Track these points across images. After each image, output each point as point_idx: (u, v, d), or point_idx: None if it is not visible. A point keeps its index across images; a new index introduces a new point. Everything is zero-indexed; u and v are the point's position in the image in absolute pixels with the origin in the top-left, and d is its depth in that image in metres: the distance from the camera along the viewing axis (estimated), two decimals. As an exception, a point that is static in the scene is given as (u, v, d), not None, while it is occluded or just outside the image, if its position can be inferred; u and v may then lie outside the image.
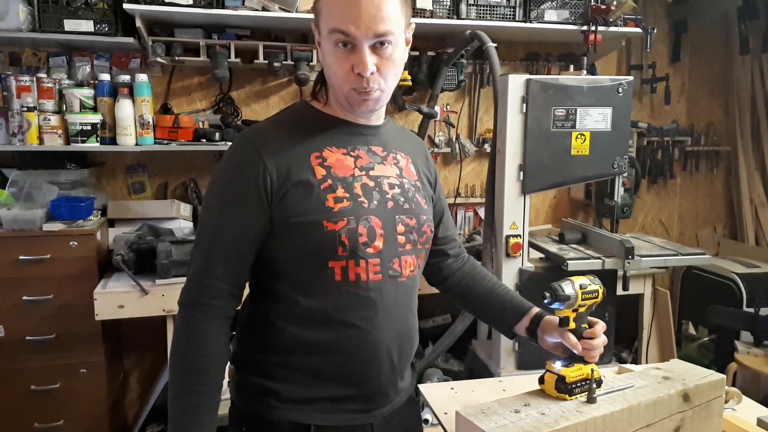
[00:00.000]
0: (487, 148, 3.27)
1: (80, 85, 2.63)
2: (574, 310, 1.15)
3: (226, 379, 2.35)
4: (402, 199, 1.15)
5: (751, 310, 3.00)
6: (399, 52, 1.08)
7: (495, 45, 2.46)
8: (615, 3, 2.91)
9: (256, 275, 1.13)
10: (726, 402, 1.36)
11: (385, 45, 1.04)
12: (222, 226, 1.07)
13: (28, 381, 2.46)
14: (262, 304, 1.13)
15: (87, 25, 2.52)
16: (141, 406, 2.99)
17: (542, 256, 2.57)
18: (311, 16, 1.13)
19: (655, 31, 3.24)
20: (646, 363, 3.05)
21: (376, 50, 1.04)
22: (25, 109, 2.46)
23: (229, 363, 1.19)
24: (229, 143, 1.13)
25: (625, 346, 3.39)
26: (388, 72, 1.07)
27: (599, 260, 2.36)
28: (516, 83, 2.28)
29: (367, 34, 1.02)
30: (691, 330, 3.46)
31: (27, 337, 2.44)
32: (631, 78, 2.39)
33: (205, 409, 1.06)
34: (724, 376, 1.25)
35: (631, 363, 3.02)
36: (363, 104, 1.09)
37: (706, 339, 3.29)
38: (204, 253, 1.08)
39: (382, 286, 1.10)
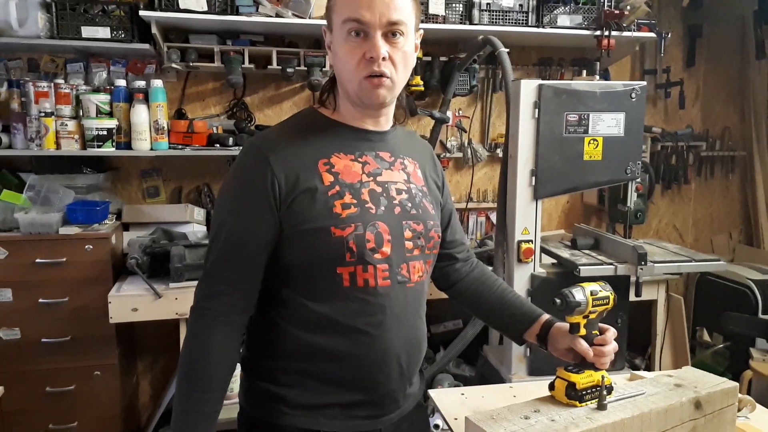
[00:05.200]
0: (500, 153, 3.26)
1: (97, 90, 2.67)
2: (584, 317, 1.14)
3: (237, 383, 2.36)
4: (409, 204, 1.16)
5: (767, 317, 2.96)
6: (409, 46, 1.10)
7: (507, 50, 2.45)
8: (628, 8, 2.90)
9: (265, 280, 1.13)
10: (739, 410, 1.34)
11: (397, 36, 1.07)
12: (231, 232, 1.09)
13: (44, 382, 2.49)
14: (271, 309, 1.14)
15: (104, 32, 2.56)
16: (154, 409, 3.01)
17: (554, 261, 2.56)
18: (324, 22, 1.15)
19: (669, 35, 3.23)
20: (660, 370, 3.03)
21: (388, 40, 1.06)
22: (43, 114, 2.50)
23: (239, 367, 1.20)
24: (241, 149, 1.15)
25: (638, 352, 3.36)
26: (398, 62, 1.08)
27: (612, 266, 2.35)
28: (528, 88, 2.28)
29: (381, 21, 1.04)
30: (706, 337, 3.42)
31: (43, 339, 2.47)
32: (644, 83, 2.37)
33: (201, 416, 1.07)
34: (737, 384, 1.24)
35: (644, 370, 3.00)
36: (374, 93, 1.09)
37: (720, 346, 3.26)
38: (213, 259, 1.10)
39: (391, 292, 1.10)
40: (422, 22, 1.22)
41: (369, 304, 1.09)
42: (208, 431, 1.07)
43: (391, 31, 1.06)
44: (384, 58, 1.06)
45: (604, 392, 1.11)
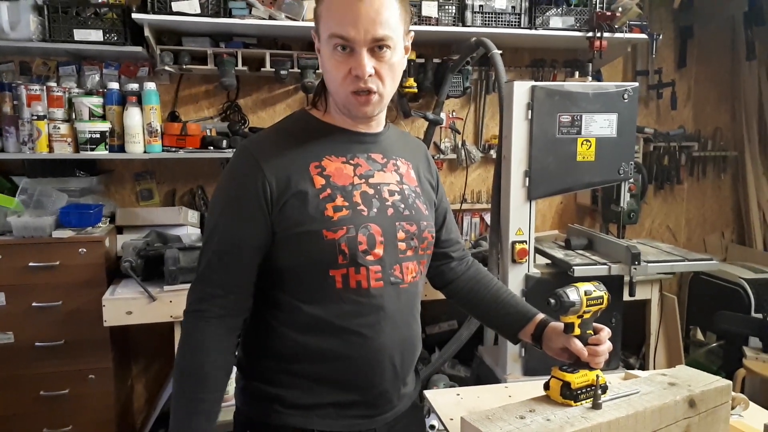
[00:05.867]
0: (493, 154, 3.28)
1: (89, 93, 2.66)
2: (579, 317, 1.15)
3: (232, 385, 2.35)
4: (402, 205, 1.16)
5: (760, 315, 2.99)
6: (397, 57, 1.10)
7: (500, 52, 2.47)
8: (620, 9, 2.92)
9: (259, 283, 1.14)
10: (733, 408, 1.35)
11: (384, 50, 1.06)
12: (224, 236, 1.09)
13: (38, 386, 2.47)
14: (266, 310, 1.15)
15: (96, 35, 2.56)
16: (148, 413, 3.00)
17: (548, 262, 2.57)
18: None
19: (660, 37, 3.25)
20: (654, 369, 3.04)
21: (375, 54, 1.06)
22: (35, 117, 2.49)
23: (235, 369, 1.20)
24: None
25: (632, 352, 3.38)
26: (386, 76, 1.08)
27: (605, 266, 2.36)
28: (521, 90, 2.29)
29: (366, 38, 1.03)
30: (699, 336, 3.45)
31: (36, 343, 2.45)
32: (636, 84, 2.39)
33: (201, 416, 1.07)
34: (730, 382, 1.24)
35: (639, 369, 3.01)
36: (362, 109, 1.10)
37: (714, 345, 3.28)
38: (206, 262, 1.10)
39: (384, 293, 1.11)
40: (415, 24, 1.22)
41: (362, 306, 1.09)
42: (208, 430, 1.07)
43: (378, 46, 1.05)
44: (370, 75, 1.05)
45: (599, 391, 1.11)
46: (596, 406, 1.10)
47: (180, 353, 1.09)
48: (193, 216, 2.91)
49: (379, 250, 1.10)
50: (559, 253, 2.54)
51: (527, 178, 2.32)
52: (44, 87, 2.55)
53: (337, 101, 1.13)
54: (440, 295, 1.44)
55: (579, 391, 1.12)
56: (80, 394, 2.51)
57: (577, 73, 2.90)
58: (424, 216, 1.20)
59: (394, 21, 1.06)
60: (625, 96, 2.35)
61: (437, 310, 3.20)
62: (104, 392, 2.55)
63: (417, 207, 1.19)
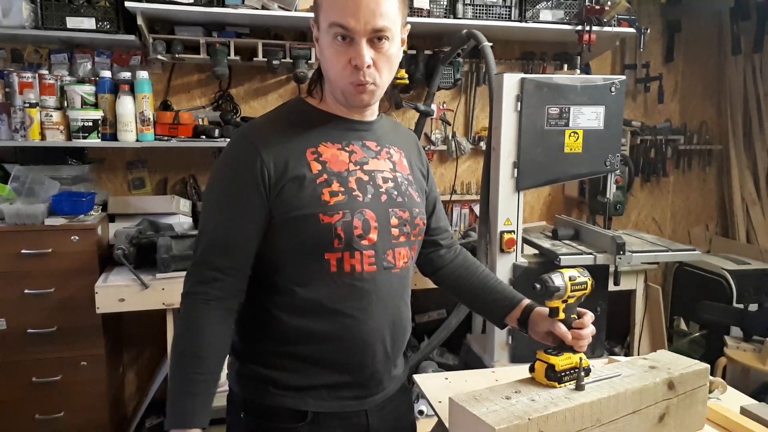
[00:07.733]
0: (483, 145, 3.31)
1: (82, 81, 2.66)
2: (563, 301, 1.18)
3: (225, 371, 2.37)
4: (395, 192, 1.19)
5: (741, 306, 3.05)
6: (395, 48, 1.13)
7: (491, 44, 2.50)
8: (609, 3, 2.96)
9: (254, 267, 1.16)
10: (711, 391, 1.40)
11: (382, 40, 1.09)
12: (222, 220, 1.11)
13: (30, 373, 2.49)
14: (260, 294, 1.17)
15: (89, 23, 2.55)
16: (140, 399, 3.02)
17: (536, 251, 2.62)
18: (310, 14, 1.17)
19: (648, 31, 3.29)
20: (638, 358, 3.10)
21: (373, 45, 1.08)
22: (28, 105, 2.49)
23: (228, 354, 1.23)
24: (228, 140, 1.17)
25: (617, 341, 3.44)
26: (383, 67, 1.11)
27: (591, 255, 2.40)
28: (511, 82, 2.32)
29: (366, 28, 1.06)
30: (683, 326, 3.51)
31: (29, 330, 2.47)
32: (623, 77, 2.43)
33: (198, 397, 1.08)
34: (708, 365, 1.29)
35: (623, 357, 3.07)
36: (359, 98, 1.12)
37: (697, 334, 3.34)
38: (204, 245, 1.12)
39: (377, 277, 1.14)
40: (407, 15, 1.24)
41: (355, 289, 1.13)
42: (204, 414, 1.08)
43: (377, 37, 1.08)
44: (369, 66, 1.08)
45: (582, 374, 1.15)
46: (579, 387, 1.14)
47: (179, 334, 1.11)
48: (185, 205, 2.92)
49: (373, 236, 1.13)
50: (546, 243, 2.58)
51: (516, 170, 2.35)
52: (36, 75, 2.54)
53: (334, 90, 1.15)
54: (430, 285, 1.46)
55: (563, 374, 1.16)
56: (72, 381, 2.53)
57: (566, 66, 2.94)
58: (416, 203, 1.23)
59: (393, 13, 1.08)
60: (613, 89, 2.38)
61: (427, 299, 3.24)
62: (96, 379, 2.57)
63: (409, 194, 1.22)
